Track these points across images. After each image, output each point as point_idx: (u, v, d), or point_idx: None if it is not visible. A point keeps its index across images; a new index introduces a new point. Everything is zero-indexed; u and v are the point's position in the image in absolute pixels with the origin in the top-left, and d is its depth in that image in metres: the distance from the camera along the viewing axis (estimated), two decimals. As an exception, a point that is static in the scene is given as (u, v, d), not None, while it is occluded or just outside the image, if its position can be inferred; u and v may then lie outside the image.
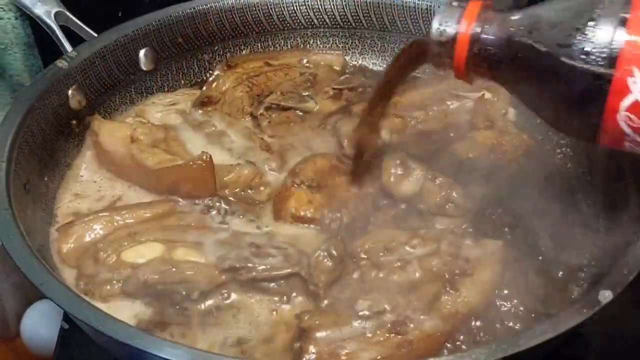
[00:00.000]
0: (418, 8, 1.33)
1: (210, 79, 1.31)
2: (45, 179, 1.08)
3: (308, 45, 1.39)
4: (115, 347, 0.85)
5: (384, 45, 1.38)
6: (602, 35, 0.76)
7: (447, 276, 0.92)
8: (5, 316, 1.66)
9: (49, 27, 1.20)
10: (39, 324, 1.58)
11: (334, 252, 0.92)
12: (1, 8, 1.46)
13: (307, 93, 1.28)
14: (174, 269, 0.92)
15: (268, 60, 1.34)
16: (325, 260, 0.92)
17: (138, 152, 1.08)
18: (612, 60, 0.75)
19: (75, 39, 1.21)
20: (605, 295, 0.81)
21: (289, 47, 1.39)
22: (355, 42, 1.39)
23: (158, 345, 0.75)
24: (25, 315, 1.62)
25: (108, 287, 0.92)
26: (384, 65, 1.38)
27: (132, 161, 1.08)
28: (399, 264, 0.94)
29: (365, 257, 0.96)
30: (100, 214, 1.01)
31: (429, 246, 0.96)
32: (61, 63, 1.14)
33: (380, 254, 0.96)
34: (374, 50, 1.39)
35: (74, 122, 1.16)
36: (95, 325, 0.77)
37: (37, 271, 0.83)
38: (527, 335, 0.77)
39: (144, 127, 1.14)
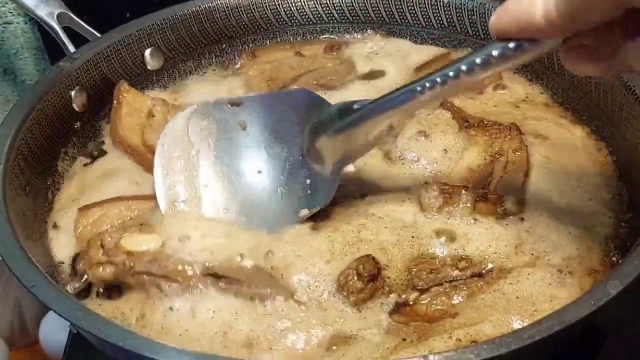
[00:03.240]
0: (427, 1, 1.29)
1: (236, 66, 1.30)
2: (48, 182, 1.07)
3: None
4: (107, 349, 0.84)
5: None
6: None
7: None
8: (24, 322, 1.66)
9: (52, 28, 1.19)
10: (57, 330, 1.57)
11: (363, 271, 0.88)
12: (10, 12, 1.47)
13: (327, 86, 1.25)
14: (163, 263, 0.90)
15: (299, 50, 1.32)
16: (353, 281, 0.88)
17: (147, 129, 1.08)
18: None
19: (83, 42, 1.20)
20: (614, 286, 0.77)
21: (297, 43, 1.36)
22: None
23: (150, 347, 0.74)
24: (44, 321, 1.62)
25: (100, 269, 0.91)
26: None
27: (139, 135, 1.10)
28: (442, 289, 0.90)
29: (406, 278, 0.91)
30: (119, 201, 1.02)
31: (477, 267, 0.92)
32: (63, 64, 1.13)
33: (424, 274, 0.91)
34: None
35: (78, 124, 1.15)
36: (87, 328, 0.76)
37: (29, 274, 0.82)
38: (533, 329, 0.73)
39: (162, 105, 1.13)
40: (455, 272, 0.90)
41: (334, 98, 1.12)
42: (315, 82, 1.25)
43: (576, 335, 0.88)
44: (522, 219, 0.96)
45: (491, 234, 0.95)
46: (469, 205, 0.96)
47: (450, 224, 0.96)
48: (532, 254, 0.93)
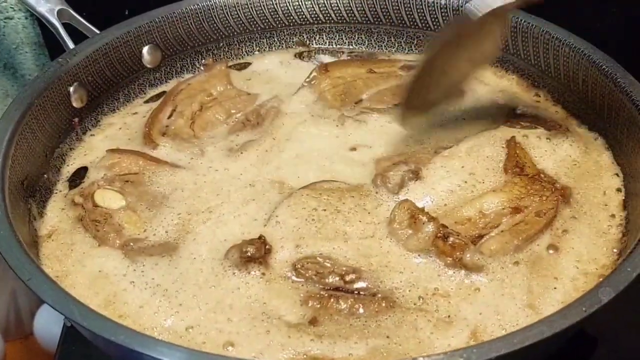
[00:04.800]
0: (425, 1, 1.30)
1: (307, 79, 1.28)
2: (45, 176, 1.08)
3: (314, 41, 1.37)
4: (100, 342, 0.85)
5: (390, 40, 1.36)
6: None
7: None
8: (19, 314, 1.67)
9: (52, 24, 1.20)
10: (52, 322, 1.58)
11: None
12: (11, 8, 1.48)
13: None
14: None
15: (372, 67, 1.30)
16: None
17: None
18: None
19: (83, 38, 1.22)
20: (606, 293, 0.78)
21: (294, 43, 1.37)
22: (361, 38, 1.37)
23: (145, 343, 0.75)
24: (38, 313, 1.63)
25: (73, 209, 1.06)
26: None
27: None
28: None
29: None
30: (136, 156, 1.12)
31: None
32: (62, 60, 1.15)
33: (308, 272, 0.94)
34: (381, 46, 1.37)
35: (76, 119, 1.16)
36: (80, 321, 0.77)
37: (25, 267, 0.83)
38: (523, 334, 0.74)
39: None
40: (338, 282, 0.92)
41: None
42: (388, 99, 1.24)
43: (567, 341, 0.88)
44: (468, 275, 0.93)
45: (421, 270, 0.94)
46: (427, 238, 0.94)
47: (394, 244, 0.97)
48: (437, 310, 0.90)
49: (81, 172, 1.12)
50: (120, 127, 1.21)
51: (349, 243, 0.96)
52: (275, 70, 1.33)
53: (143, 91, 1.28)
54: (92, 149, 1.16)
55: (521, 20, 1.22)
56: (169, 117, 1.19)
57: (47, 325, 1.60)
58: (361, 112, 1.21)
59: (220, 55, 1.34)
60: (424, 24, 1.33)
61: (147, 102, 1.27)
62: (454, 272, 0.93)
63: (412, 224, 0.96)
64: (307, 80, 1.26)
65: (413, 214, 0.96)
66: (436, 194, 1.03)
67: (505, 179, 1.04)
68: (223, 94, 1.25)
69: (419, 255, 0.95)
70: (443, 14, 1.30)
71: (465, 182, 1.04)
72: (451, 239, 0.94)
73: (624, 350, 1.08)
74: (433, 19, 1.31)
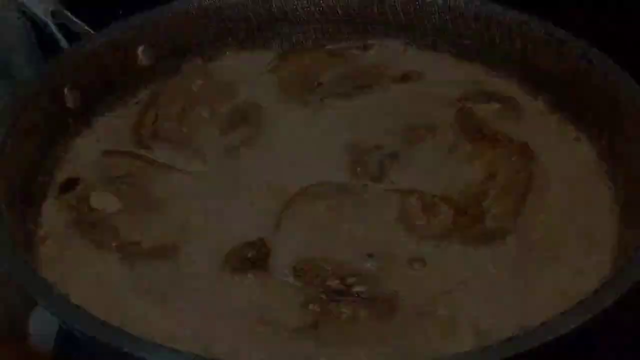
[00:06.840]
0: (419, 2, 1.29)
1: (268, 67, 1.29)
2: (39, 179, 1.07)
3: (311, 41, 1.36)
4: (102, 349, 0.84)
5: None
6: None
7: None
8: (13, 316, 1.66)
9: (46, 25, 1.20)
10: (47, 323, 1.57)
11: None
12: (5, 7, 1.46)
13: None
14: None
15: (331, 49, 1.32)
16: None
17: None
18: None
19: (77, 39, 1.21)
20: (608, 298, 0.77)
21: (290, 43, 1.36)
22: (356, 36, 1.35)
23: (139, 346, 0.75)
24: (33, 314, 1.62)
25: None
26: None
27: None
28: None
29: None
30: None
31: None
32: (56, 60, 1.14)
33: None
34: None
35: (71, 120, 1.15)
36: (67, 320, 0.78)
37: (20, 271, 0.84)
38: (519, 340, 0.74)
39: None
40: (339, 285, 0.91)
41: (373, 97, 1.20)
42: (348, 82, 1.25)
43: (565, 347, 0.88)
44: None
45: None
46: (445, 219, 0.95)
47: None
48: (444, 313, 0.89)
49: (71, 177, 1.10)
50: (107, 129, 1.19)
51: (351, 246, 0.95)
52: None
53: (137, 92, 1.26)
54: (79, 153, 1.15)
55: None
56: (154, 122, 1.18)
57: (43, 327, 1.58)
58: (323, 98, 1.20)
59: (216, 56, 1.33)
60: (418, 22, 1.31)
61: (137, 103, 1.25)
62: (457, 273, 0.93)
63: (425, 210, 0.96)
64: (268, 68, 1.27)
65: (424, 199, 0.97)
66: (423, 175, 1.04)
67: (473, 147, 1.06)
68: (203, 88, 1.24)
69: (423, 258, 0.94)
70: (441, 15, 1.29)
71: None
72: (469, 211, 0.95)
73: (621, 354, 1.08)
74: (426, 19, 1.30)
